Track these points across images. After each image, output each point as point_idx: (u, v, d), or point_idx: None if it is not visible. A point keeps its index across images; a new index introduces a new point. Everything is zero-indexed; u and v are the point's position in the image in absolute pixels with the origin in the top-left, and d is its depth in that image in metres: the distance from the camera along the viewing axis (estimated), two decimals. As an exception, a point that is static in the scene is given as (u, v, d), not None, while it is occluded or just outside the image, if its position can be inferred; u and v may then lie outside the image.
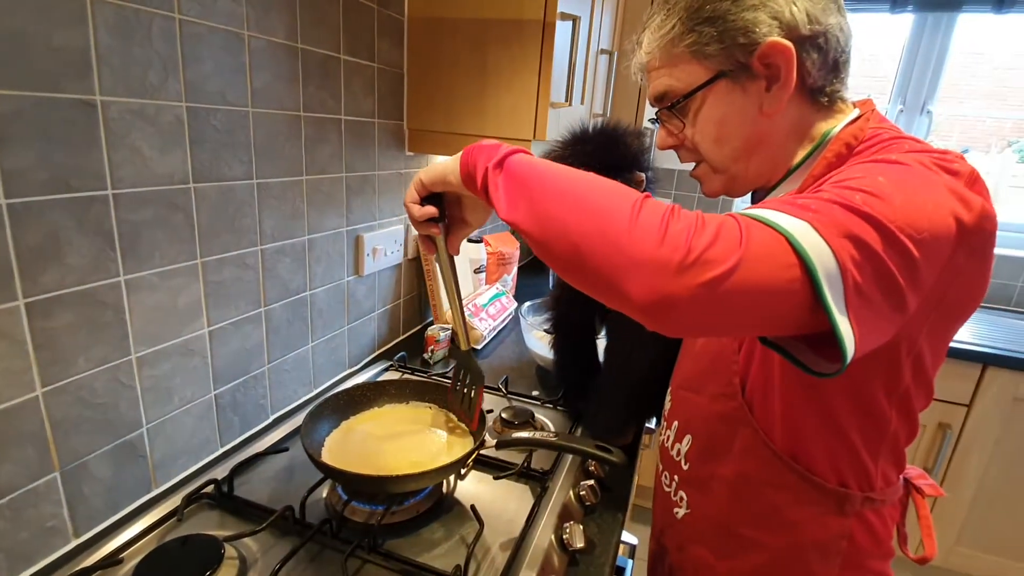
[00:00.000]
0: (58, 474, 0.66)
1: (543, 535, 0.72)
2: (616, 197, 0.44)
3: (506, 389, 1.11)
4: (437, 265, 1.37)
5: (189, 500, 0.74)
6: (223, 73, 0.78)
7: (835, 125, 0.58)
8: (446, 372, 1.19)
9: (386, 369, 1.20)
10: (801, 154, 0.59)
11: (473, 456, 0.74)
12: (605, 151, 0.81)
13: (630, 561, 0.98)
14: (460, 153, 0.58)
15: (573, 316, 1.00)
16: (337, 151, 1.04)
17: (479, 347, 1.35)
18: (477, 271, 1.61)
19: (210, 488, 0.76)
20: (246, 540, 0.69)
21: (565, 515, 0.76)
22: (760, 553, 0.66)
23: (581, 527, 0.73)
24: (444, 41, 1.15)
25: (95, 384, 0.68)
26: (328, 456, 0.77)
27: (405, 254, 1.34)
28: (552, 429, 1.00)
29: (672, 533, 0.78)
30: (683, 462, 0.73)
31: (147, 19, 0.66)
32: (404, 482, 0.69)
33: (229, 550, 0.66)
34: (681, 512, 0.74)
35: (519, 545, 0.70)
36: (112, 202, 0.66)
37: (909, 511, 0.71)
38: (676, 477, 0.75)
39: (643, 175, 0.83)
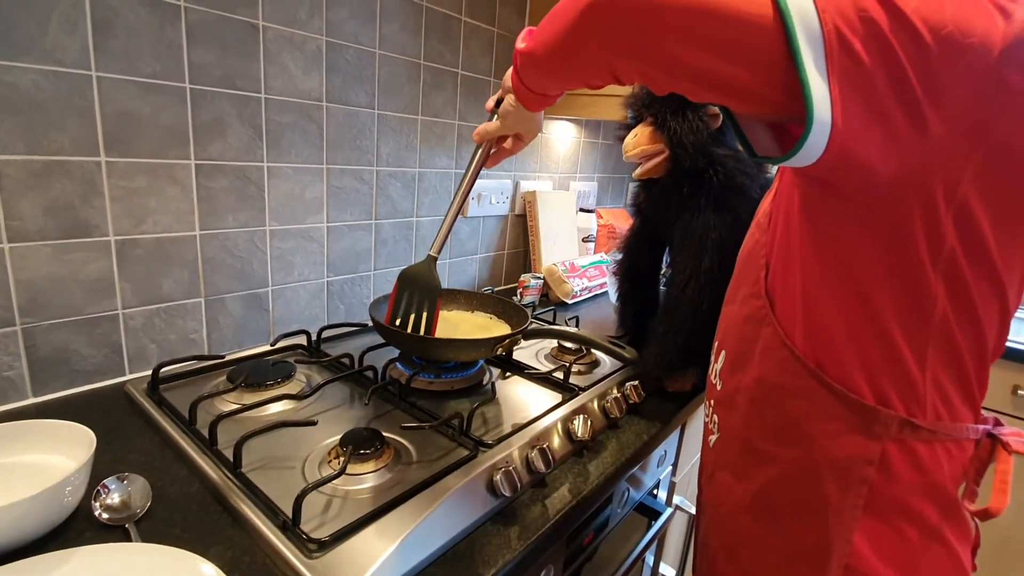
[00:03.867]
0: (203, 300, 0.89)
1: (551, 420, 0.76)
2: None
3: (576, 326, 1.16)
4: (540, 222, 1.47)
5: (283, 336, 0.94)
6: (357, 17, 0.98)
7: None
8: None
9: (477, 303, 1.33)
10: None
11: (505, 341, 0.81)
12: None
13: (669, 508, 0.95)
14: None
15: (643, 258, 1.02)
16: (451, 100, 1.21)
17: (569, 302, 1.41)
18: (586, 240, 1.67)
19: (303, 339, 0.95)
20: (313, 371, 0.86)
21: (581, 412, 0.79)
22: (771, 467, 0.59)
23: (590, 422, 0.76)
24: (561, 8, 1.26)
25: (238, 240, 0.91)
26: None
27: (512, 208, 1.47)
28: (607, 364, 1.02)
29: (706, 464, 0.75)
30: (717, 383, 0.69)
31: (301, -34, 0.88)
32: (437, 346, 0.80)
33: (299, 372, 0.83)
34: (713, 439, 0.71)
35: (525, 425, 0.75)
36: (264, 104, 0.89)
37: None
38: (712, 401, 0.72)
39: (717, 108, 0.84)
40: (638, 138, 0.88)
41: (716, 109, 0.84)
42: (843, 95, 0.39)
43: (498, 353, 0.85)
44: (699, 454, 1.20)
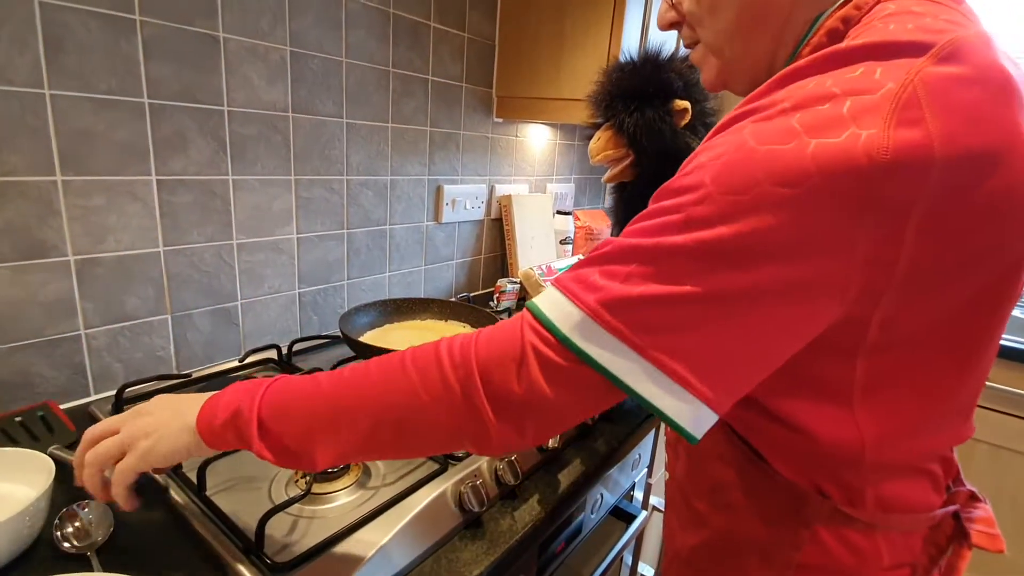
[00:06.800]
0: (169, 317, 0.88)
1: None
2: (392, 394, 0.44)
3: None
4: (516, 225, 1.47)
5: (252, 351, 0.93)
6: (322, 26, 0.97)
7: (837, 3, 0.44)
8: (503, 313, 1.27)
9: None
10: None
11: None
12: (634, 83, 0.82)
13: (644, 512, 0.96)
14: (185, 424, 0.48)
15: None
16: (422, 106, 1.20)
17: (546, 305, 1.41)
18: (563, 242, 1.67)
19: (273, 353, 0.95)
20: (285, 389, 0.85)
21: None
22: (703, 530, 0.55)
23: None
24: (530, 12, 1.26)
25: (204, 255, 0.90)
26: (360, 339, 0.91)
27: (487, 213, 1.47)
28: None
29: (666, 492, 0.71)
30: None
31: (261, -23, 0.87)
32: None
33: (268, 389, 0.82)
34: (667, 475, 0.68)
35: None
36: (227, 116, 0.88)
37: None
38: (666, 437, 0.69)
39: (685, 102, 0.81)
40: (600, 142, 0.86)
41: (683, 103, 0.81)
42: (713, 385, 0.38)
43: None
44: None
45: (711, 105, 0.86)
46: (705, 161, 0.38)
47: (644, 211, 0.41)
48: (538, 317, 0.40)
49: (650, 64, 0.83)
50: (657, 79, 0.81)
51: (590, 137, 0.91)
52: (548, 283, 1.10)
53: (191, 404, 0.49)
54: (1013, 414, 1.55)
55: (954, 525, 0.50)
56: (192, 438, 0.47)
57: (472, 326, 1.00)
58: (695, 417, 0.37)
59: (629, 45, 1.16)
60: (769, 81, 0.39)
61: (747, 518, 0.50)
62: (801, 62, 0.38)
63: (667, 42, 1.31)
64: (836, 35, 0.43)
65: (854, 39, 0.38)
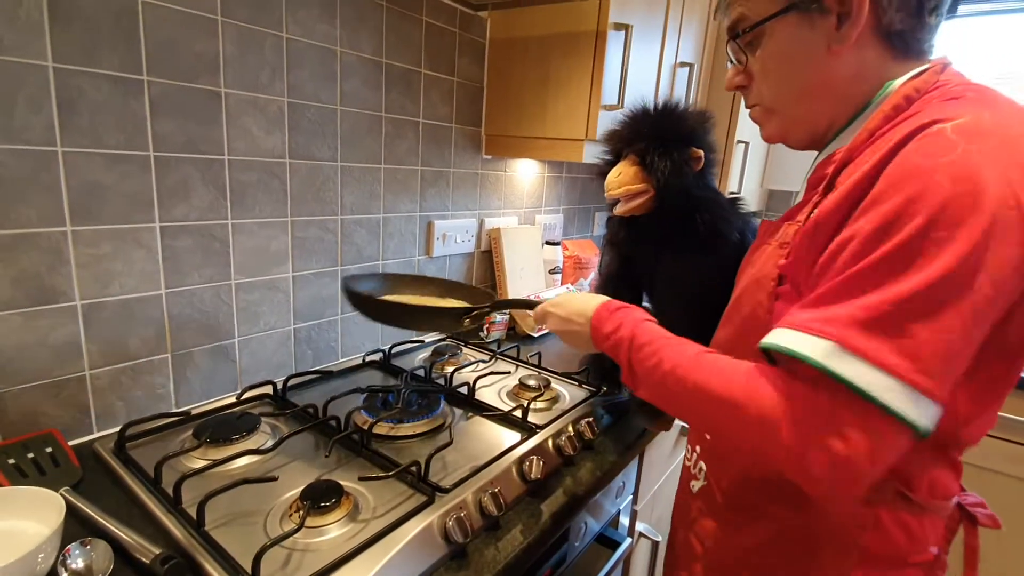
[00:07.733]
0: (169, 356, 0.92)
1: (506, 462, 0.80)
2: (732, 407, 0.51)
3: (537, 363, 1.20)
4: (505, 257, 1.52)
5: (249, 388, 0.96)
6: (318, 78, 1.03)
7: (903, 77, 0.55)
8: (499, 351, 1.31)
9: (445, 337, 1.37)
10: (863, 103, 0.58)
11: (473, 313, 0.86)
12: (661, 127, 0.85)
13: (629, 539, 0.99)
14: (587, 324, 0.74)
15: (623, 298, 1.01)
16: (414, 147, 1.26)
17: (535, 335, 1.46)
18: (552, 271, 1.72)
19: (269, 388, 0.98)
20: (279, 422, 0.89)
21: (536, 452, 0.83)
22: (768, 526, 0.61)
23: (543, 462, 0.80)
24: (516, 57, 1.33)
25: (203, 295, 0.95)
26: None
27: (478, 245, 1.52)
28: (568, 399, 1.07)
29: (685, 509, 0.76)
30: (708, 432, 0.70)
31: (261, 36, 0.93)
32: (403, 313, 0.86)
33: (264, 425, 0.86)
34: (697, 485, 0.72)
35: (483, 466, 0.79)
36: (227, 165, 0.93)
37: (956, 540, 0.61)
38: (698, 448, 0.73)
39: (700, 151, 0.85)
40: (622, 176, 0.86)
41: (699, 152, 0.85)
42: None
43: (466, 325, 0.87)
44: (661, 481, 1.25)
45: (714, 156, 0.90)
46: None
47: None
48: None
49: (670, 112, 0.87)
50: (681, 126, 0.85)
51: (601, 172, 0.92)
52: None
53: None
54: (999, 437, 1.59)
55: (959, 511, 0.58)
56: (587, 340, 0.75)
57: (466, 300, 0.99)
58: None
59: (609, 89, 1.22)
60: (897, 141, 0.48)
61: (818, 505, 0.55)
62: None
63: (651, 94, 1.38)
64: (911, 100, 0.53)
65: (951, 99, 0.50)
